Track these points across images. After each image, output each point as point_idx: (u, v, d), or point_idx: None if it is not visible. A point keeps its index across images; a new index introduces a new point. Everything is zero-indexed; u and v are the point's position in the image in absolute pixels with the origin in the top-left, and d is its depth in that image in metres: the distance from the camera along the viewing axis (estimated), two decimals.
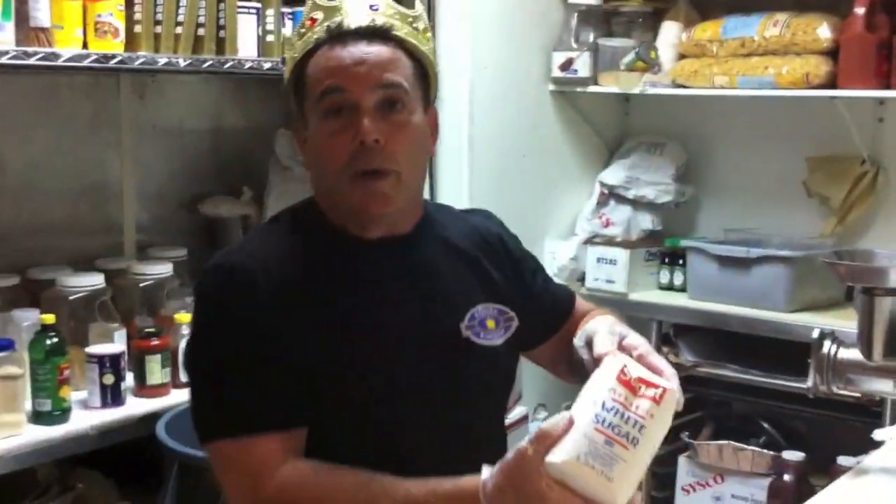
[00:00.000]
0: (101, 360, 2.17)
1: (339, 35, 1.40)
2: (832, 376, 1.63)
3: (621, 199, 3.21)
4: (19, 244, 2.46)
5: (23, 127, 2.47)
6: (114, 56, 2.12)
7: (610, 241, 3.14)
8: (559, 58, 3.08)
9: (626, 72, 2.99)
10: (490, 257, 1.56)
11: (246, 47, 2.40)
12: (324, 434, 1.39)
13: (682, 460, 2.95)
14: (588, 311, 1.64)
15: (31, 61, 1.98)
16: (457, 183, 2.85)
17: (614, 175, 3.22)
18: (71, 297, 2.26)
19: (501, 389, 1.56)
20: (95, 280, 2.31)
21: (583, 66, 3.05)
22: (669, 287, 3.12)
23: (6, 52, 1.94)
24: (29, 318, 2.17)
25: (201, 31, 2.30)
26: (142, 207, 2.73)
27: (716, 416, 3.10)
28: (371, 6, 1.42)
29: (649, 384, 1.21)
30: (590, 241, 3.16)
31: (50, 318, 2.10)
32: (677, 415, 3.19)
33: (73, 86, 2.54)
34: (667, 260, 3.14)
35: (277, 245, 1.44)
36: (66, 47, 2.04)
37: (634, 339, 1.35)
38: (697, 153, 3.29)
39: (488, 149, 2.94)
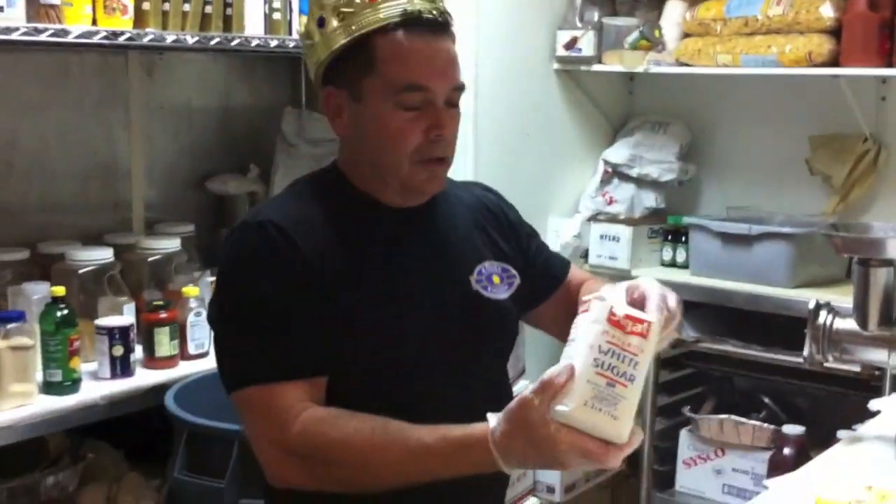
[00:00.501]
0: (110, 332, 2.20)
1: (410, 21, 1.45)
2: (828, 346, 1.66)
3: (625, 178, 3.23)
4: (30, 220, 2.50)
5: (33, 105, 2.50)
6: (122, 33, 2.14)
7: (613, 219, 3.16)
8: (563, 36, 3.09)
9: (631, 50, 3.00)
10: (492, 223, 1.66)
11: (253, 25, 2.42)
12: (341, 381, 1.46)
13: (684, 434, 2.99)
14: (585, 279, 1.74)
15: (42, 38, 2.00)
16: (462, 161, 2.84)
17: (618, 153, 3.24)
18: (80, 271, 2.29)
19: (507, 341, 1.65)
20: (104, 254, 2.34)
21: (587, 45, 3.06)
22: (672, 264, 3.14)
23: (17, 29, 1.96)
24: (39, 291, 2.20)
25: (208, 9, 2.32)
26: (150, 184, 2.77)
27: (717, 391, 3.13)
28: None
29: (636, 320, 1.26)
30: (593, 218, 3.19)
31: (60, 291, 2.13)
32: (680, 390, 3.22)
33: (83, 64, 2.56)
34: (670, 237, 3.16)
35: (302, 205, 1.52)
36: (76, 24, 2.06)
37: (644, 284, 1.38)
38: (701, 132, 3.31)
39: (493, 127, 2.95)
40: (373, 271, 1.49)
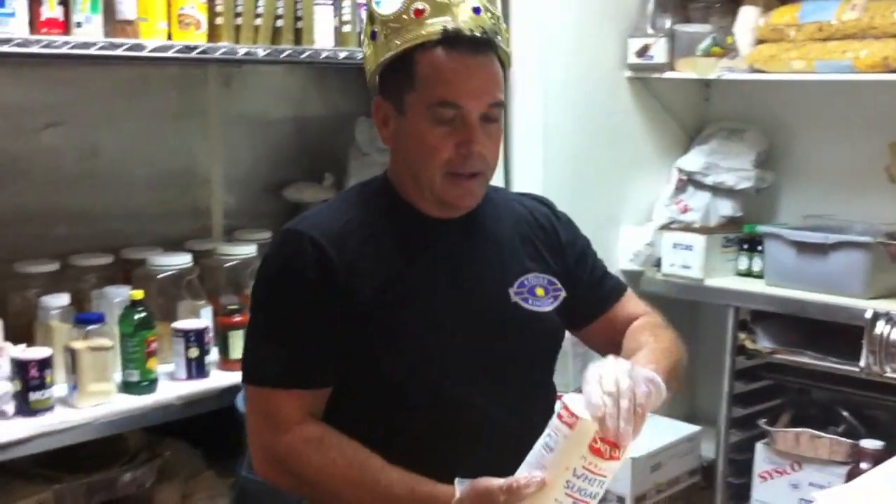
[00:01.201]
0: (186, 334, 2.28)
1: (450, 38, 1.48)
2: (885, 357, 1.63)
3: (700, 186, 3.19)
4: (113, 227, 2.59)
5: (115, 116, 2.59)
6: (196, 47, 2.21)
7: (687, 227, 3.13)
8: (635, 44, 3.08)
9: (703, 57, 2.98)
10: (540, 236, 1.66)
11: (323, 37, 2.47)
12: (369, 390, 1.50)
13: (760, 447, 2.94)
14: (634, 316, 1.70)
15: (118, 52, 2.08)
16: (531, 169, 2.87)
17: (693, 161, 3.20)
18: (159, 276, 2.39)
19: (546, 352, 1.65)
20: (183, 259, 2.43)
21: (659, 52, 3.04)
22: (748, 273, 3.08)
23: (94, 44, 2.04)
24: (120, 295, 2.29)
25: (279, 23, 2.38)
26: (228, 192, 2.85)
27: (795, 403, 3.06)
28: (474, 8, 1.51)
29: (614, 446, 1.28)
30: (666, 226, 3.16)
31: (138, 294, 2.22)
32: (756, 401, 3.15)
33: (162, 76, 2.65)
34: (745, 246, 3.11)
35: (346, 213, 1.56)
36: (151, 38, 2.14)
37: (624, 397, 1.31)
38: (778, 139, 3.25)
39: (564, 135, 2.95)
40: (406, 281, 1.52)
